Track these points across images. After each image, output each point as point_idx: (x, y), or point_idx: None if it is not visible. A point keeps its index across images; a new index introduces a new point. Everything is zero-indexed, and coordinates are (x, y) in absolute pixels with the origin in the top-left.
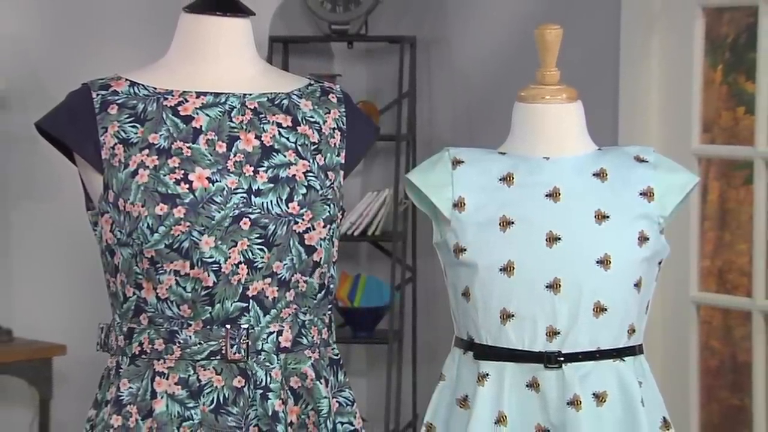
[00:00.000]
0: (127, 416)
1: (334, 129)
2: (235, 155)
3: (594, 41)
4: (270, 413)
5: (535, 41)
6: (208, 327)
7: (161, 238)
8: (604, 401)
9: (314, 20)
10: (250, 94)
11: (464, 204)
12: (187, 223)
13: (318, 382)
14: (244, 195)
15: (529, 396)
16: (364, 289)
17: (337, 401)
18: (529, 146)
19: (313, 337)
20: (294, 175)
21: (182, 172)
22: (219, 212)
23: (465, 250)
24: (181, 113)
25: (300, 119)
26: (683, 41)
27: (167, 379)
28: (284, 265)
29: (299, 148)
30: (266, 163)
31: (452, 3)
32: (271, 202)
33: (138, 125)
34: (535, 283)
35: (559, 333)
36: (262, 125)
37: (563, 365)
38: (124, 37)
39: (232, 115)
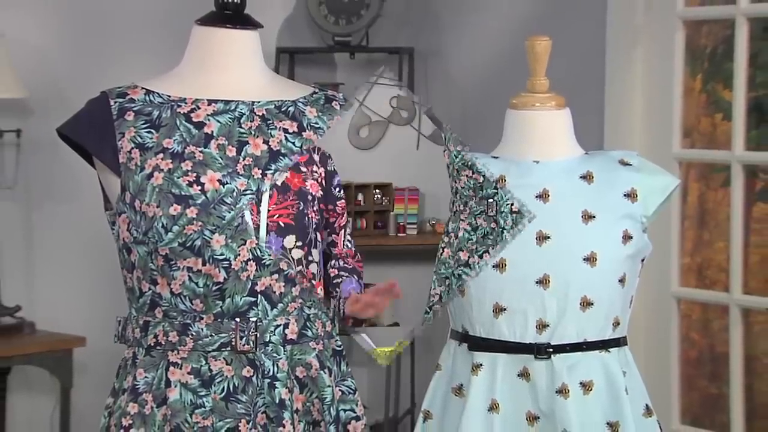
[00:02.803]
0: (143, 404)
1: None
2: (244, 159)
3: (581, 52)
4: (277, 401)
5: (525, 52)
6: (219, 320)
7: (175, 236)
8: (591, 390)
9: (318, 32)
10: (259, 102)
11: None
12: (200, 223)
13: (322, 372)
14: (253, 196)
15: (520, 385)
16: None
17: (339, 390)
18: (520, 150)
19: (317, 330)
20: None
21: (195, 174)
22: (229, 212)
23: None
24: (194, 119)
25: (305, 125)
26: (665, 52)
27: (180, 368)
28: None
29: (304, 152)
30: (273, 167)
31: (448, 16)
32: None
33: (153, 131)
34: (526, 279)
35: (548, 326)
36: (269, 131)
37: (552, 356)
38: (140, 48)
39: (242, 121)
